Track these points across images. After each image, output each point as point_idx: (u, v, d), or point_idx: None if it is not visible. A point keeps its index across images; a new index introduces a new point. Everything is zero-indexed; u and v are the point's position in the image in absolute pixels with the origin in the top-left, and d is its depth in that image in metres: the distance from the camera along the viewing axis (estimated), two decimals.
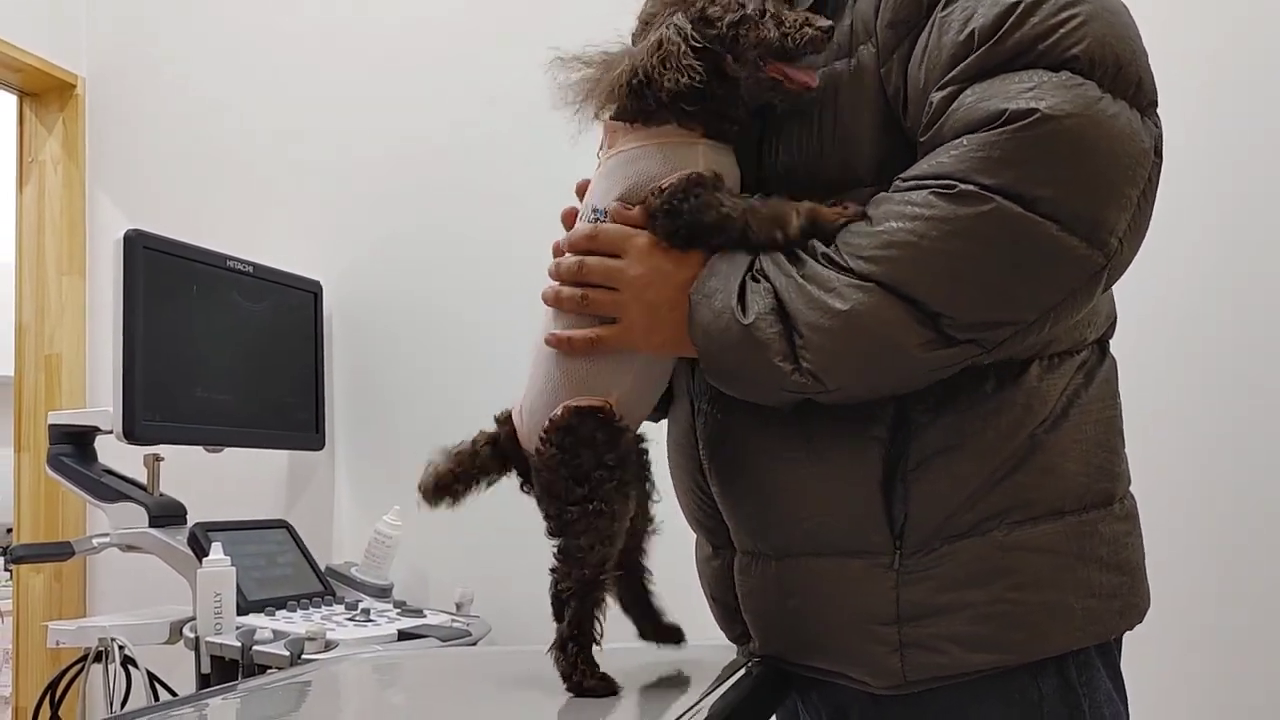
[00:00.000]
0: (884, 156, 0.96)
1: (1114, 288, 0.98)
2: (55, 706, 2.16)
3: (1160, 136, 0.91)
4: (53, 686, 2.18)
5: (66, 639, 2.16)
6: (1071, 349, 0.98)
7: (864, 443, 0.96)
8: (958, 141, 0.88)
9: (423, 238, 2.56)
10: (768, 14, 0.96)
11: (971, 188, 0.86)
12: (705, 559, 1.14)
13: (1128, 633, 1.01)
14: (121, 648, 2.07)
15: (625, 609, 1.11)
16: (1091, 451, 0.97)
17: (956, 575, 0.94)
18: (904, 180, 0.91)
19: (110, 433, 2.09)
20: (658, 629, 1.10)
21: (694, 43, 0.95)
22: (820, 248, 0.92)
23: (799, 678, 1.06)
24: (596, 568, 0.95)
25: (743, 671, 1.02)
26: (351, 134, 2.66)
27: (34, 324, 2.88)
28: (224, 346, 2.29)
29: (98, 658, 2.09)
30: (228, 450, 2.34)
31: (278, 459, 2.63)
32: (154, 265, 2.09)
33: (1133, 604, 0.99)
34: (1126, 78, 0.89)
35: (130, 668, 2.10)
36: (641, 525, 1.07)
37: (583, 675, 0.96)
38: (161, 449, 2.26)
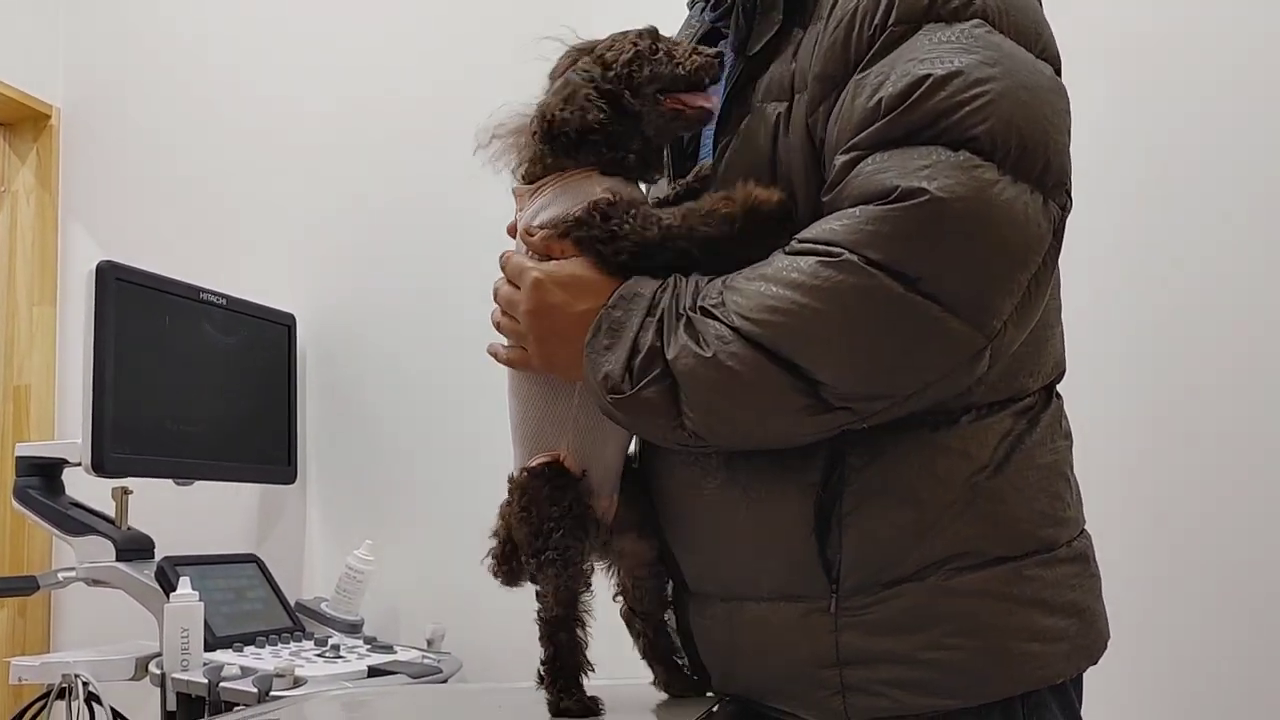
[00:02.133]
0: (816, 203, 0.96)
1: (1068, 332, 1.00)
2: None
3: (1062, 218, 0.91)
4: None
5: (29, 675, 2.12)
6: (1012, 397, 0.99)
7: (797, 488, 0.97)
8: (851, 211, 0.89)
9: (398, 273, 2.56)
10: (660, 50, 1.03)
11: (856, 259, 0.86)
12: (671, 596, 1.15)
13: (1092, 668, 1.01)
14: (86, 684, 2.03)
15: (644, 658, 1.13)
16: (1034, 498, 0.97)
17: (895, 620, 0.94)
18: (798, 241, 0.91)
19: (79, 465, 2.07)
20: (673, 679, 1.12)
21: (596, 84, 1.02)
22: (709, 301, 0.92)
23: (762, 716, 1.06)
24: (560, 608, 1.01)
25: (714, 710, 1.02)
26: (327, 168, 2.66)
27: (3, 354, 2.85)
28: (196, 379, 2.27)
29: (61, 694, 2.04)
30: (198, 483, 2.32)
31: (248, 492, 2.60)
32: (126, 296, 2.07)
33: (1082, 646, 0.99)
34: (1030, 160, 0.89)
35: (94, 705, 2.06)
36: (653, 565, 1.10)
37: (560, 696, 1.00)
38: (130, 482, 2.24)
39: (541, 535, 1.00)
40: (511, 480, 1.05)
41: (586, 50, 1.06)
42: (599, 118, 1.00)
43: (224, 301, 2.34)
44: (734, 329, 0.90)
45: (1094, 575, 1.03)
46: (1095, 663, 1.00)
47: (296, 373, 2.55)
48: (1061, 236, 0.92)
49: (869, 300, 0.86)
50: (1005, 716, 0.96)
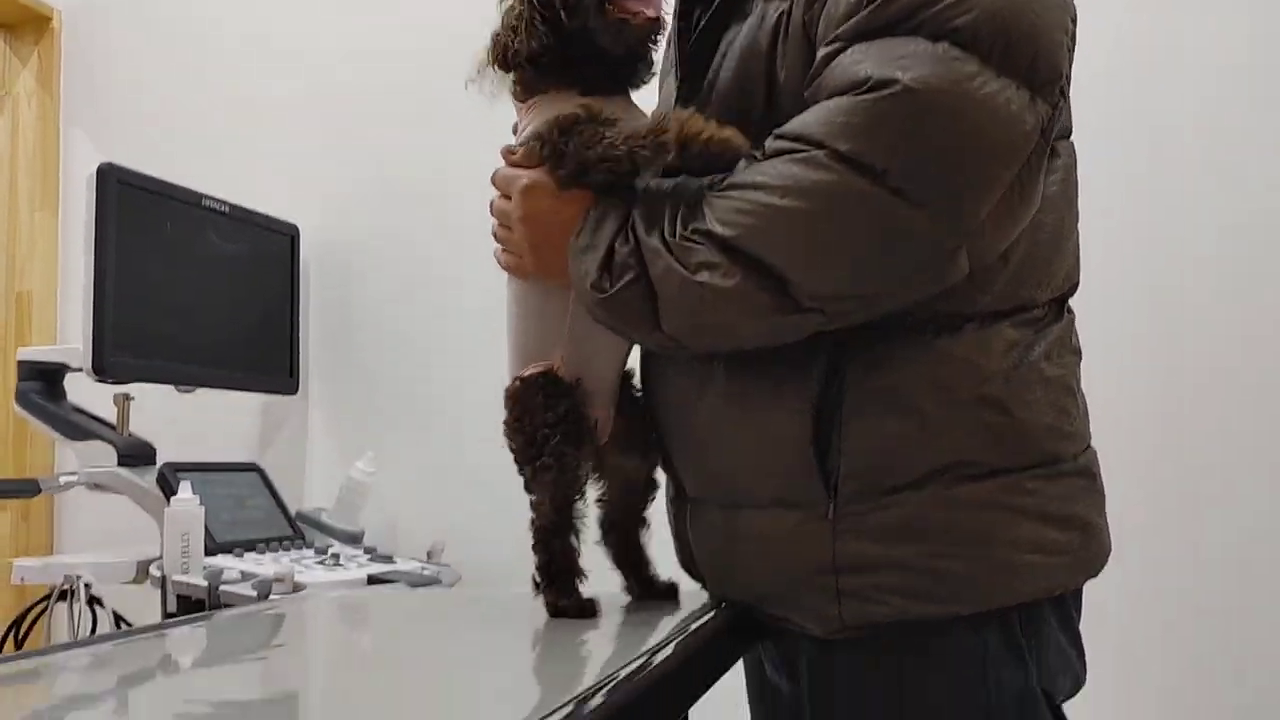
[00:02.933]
0: None
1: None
2: (19, 644, 2.15)
3: (1053, 116, 0.90)
4: (17, 624, 2.17)
5: (31, 576, 2.15)
6: (1019, 307, 0.97)
7: (795, 398, 0.96)
8: (825, 104, 0.89)
9: (403, 183, 2.53)
10: None
11: (823, 155, 0.86)
12: (670, 499, 1.16)
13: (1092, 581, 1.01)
14: (87, 586, 2.06)
15: (616, 565, 1.13)
16: (1040, 410, 0.96)
17: (893, 529, 0.94)
18: (774, 137, 0.92)
19: (80, 370, 2.07)
20: (643, 586, 1.13)
21: (535, 7, 1.01)
22: (685, 206, 0.93)
23: (761, 625, 1.07)
24: (552, 515, 1.02)
25: (710, 615, 1.02)
26: (334, 74, 2.62)
27: (5, 259, 2.84)
28: (197, 286, 2.26)
29: (63, 596, 2.07)
30: (199, 392, 2.32)
31: (250, 402, 2.60)
32: (127, 201, 2.05)
33: (1083, 559, 0.99)
34: (1017, 54, 0.87)
35: (96, 606, 2.09)
36: (642, 485, 1.12)
37: (556, 596, 1.02)
38: (132, 390, 2.24)
39: (536, 443, 1.02)
40: (506, 391, 1.06)
41: None
42: (542, 43, 1.01)
43: (226, 209, 2.32)
44: (706, 233, 0.90)
45: (1098, 491, 1.02)
46: (1095, 576, 1.00)
47: (299, 283, 2.53)
48: (1049, 136, 0.90)
49: (835, 197, 0.86)
50: (1002, 627, 0.96)
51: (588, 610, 1.02)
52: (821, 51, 0.92)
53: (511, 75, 1.06)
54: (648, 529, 1.13)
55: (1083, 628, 1.04)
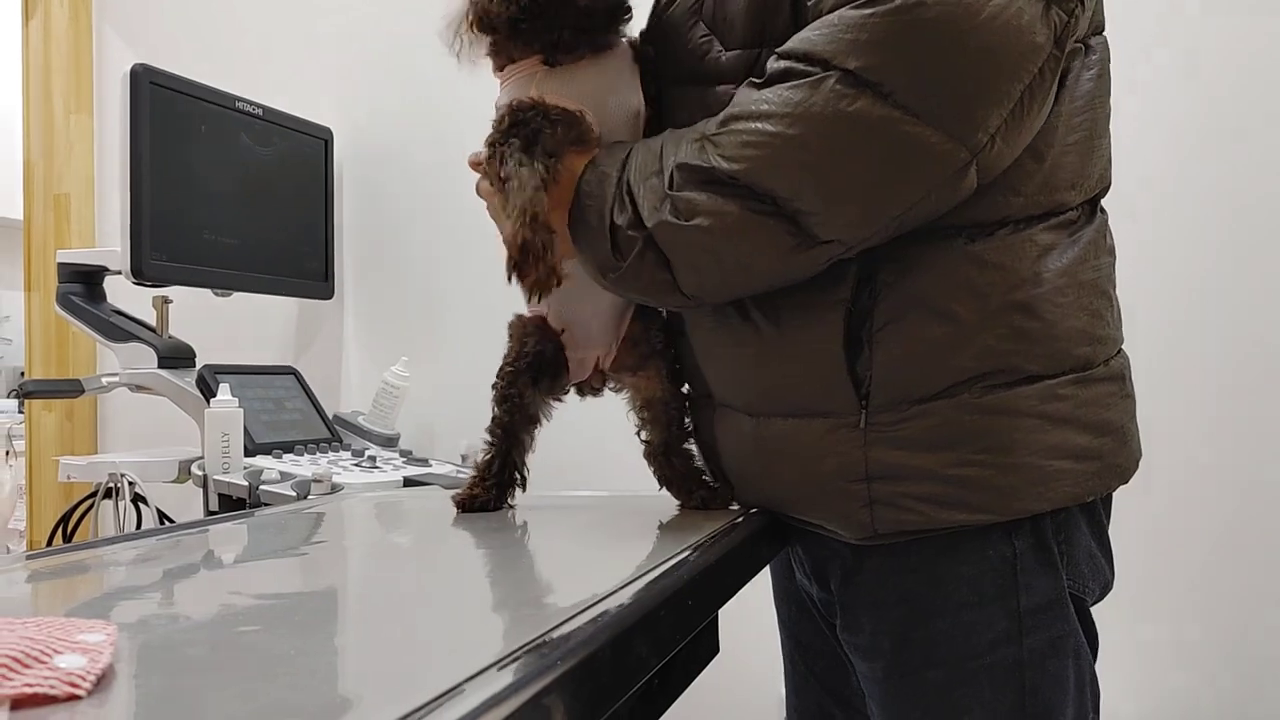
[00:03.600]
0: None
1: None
2: (68, 538, 2.21)
3: (1068, 24, 0.87)
4: (64, 520, 2.23)
5: (77, 474, 2.20)
6: (1051, 210, 0.95)
7: (826, 305, 0.95)
8: (830, 18, 0.86)
9: (438, 87, 2.51)
10: None
11: (830, 76, 0.85)
12: (690, 402, 1.16)
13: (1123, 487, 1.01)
14: (131, 484, 2.11)
15: (662, 484, 1.15)
16: (1073, 315, 0.95)
17: (925, 437, 0.94)
18: (776, 56, 0.90)
19: (119, 273, 2.09)
20: (695, 497, 1.12)
21: None
22: (687, 154, 0.92)
23: (790, 529, 1.08)
24: (497, 431, 1.13)
25: (743, 518, 1.03)
26: None
27: (42, 163, 2.85)
28: (232, 190, 2.26)
29: (108, 494, 2.12)
30: (236, 296, 2.34)
31: (286, 307, 2.63)
32: (161, 102, 2.05)
33: (1114, 465, 0.99)
34: None
35: (140, 504, 2.14)
36: (670, 403, 1.14)
37: (470, 488, 1.13)
38: (170, 293, 2.26)
39: (503, 376, 1.13)
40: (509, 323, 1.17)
41: None
42: (520, 4, 0.99)
43: (260, 112, 2.31)
44: (710, 172, 0.90)
45: (1129, 395, 1.02)
46: (1126, 482, 1.00)
47: (334, 188, 2.53)
48: (1064, 47, 0.88)
49: (846, 120, 0.84)
50: (1034, 532, 0.96)
51: (489, 505, 1.11)
52: None
53: (488, 39, 1.05)
54: (689, 441, 1.14)
55: (1111, 531, 1.04)
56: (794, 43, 0.89)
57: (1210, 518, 1.89)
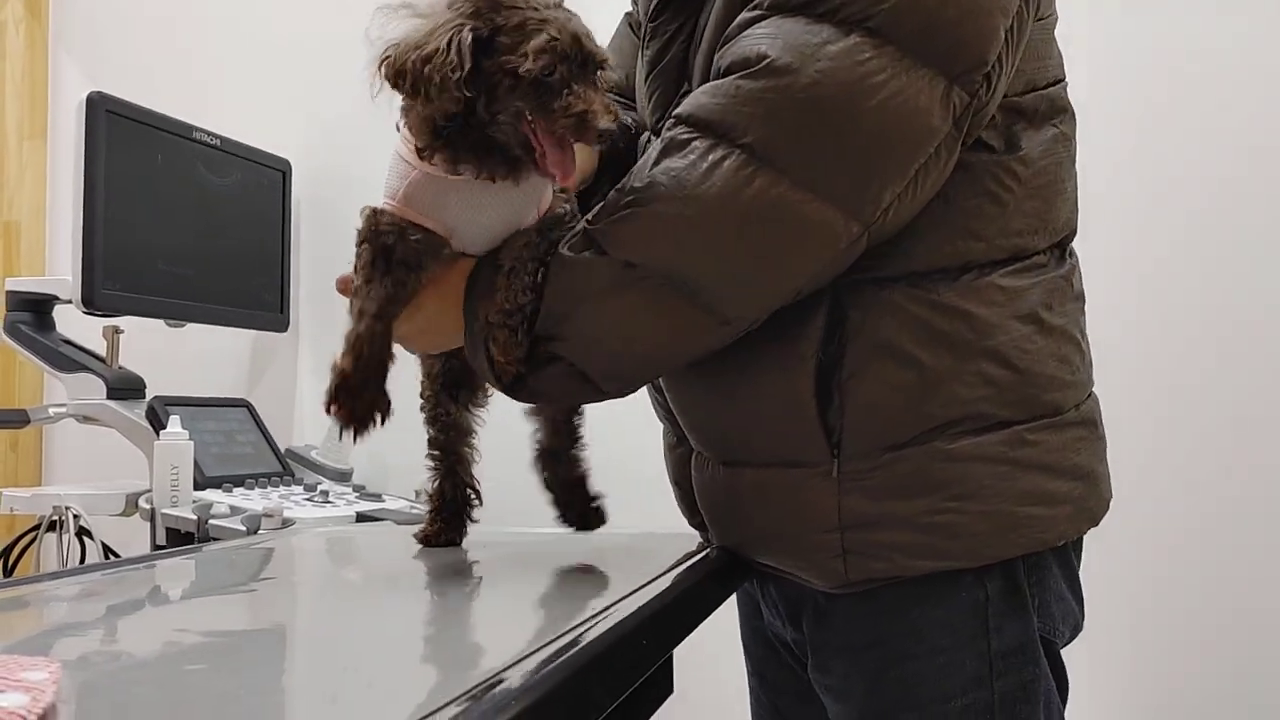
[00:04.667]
0: None
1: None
2: (8, 572, 2.16)
3: (970, 104, 0.88)
4: (6, 553, 2.17)
5: (21, 506, 2.15)
6: (1014, 255, 0.96)
7: (796, 356, 0.96)
8: (727, 86, 0.87)
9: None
10: (574, 91, 0.88)
11: (728, 154, 0.85)
12: (669, 447, 1.16)
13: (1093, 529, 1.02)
14: (76, 517, 2.06)
15: (547, 488, 1.14)
16: (1040, 361, 0.96)
17: (897, 484, 0.94)
18: (673, 120, 0.90)
19: (69, 302, 2.05)
20: (571, 512, 1.13)
21: (461, 69, 0.86)
22: (574, 238, 0.91)
23: (757, 569, 1.08)
24: (441, 452, 1.10)
25: (700, 557, 1.03)
26: (329, 12, 2.58)
27: None
28: (188, 220, 2.24)
29: (52, 526, 2.08)
30: (189, 326, 2.31)
31: (240, 338, 2.60)
32: (117, 130, 2.03)
33: (1085, 510, 0.99)
34: (936, 42, 0.85)
35: (85, 538, 2.10)
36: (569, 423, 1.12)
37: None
38: (121, 322, 2.23)
39: (426, 399, 1.11)
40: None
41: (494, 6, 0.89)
42: (449, 108, 0.88)
43: (218, 142, 2.29)
44: (608, 262, 0.89)
45: (1100, 438, 1.02)
46: (1097, 524, 1.01)
47: (291, 220, 2.51)
48: (963, 127, 0.89)
49: (742, 198, 0.85)
50: (1006, 576, 0.96)
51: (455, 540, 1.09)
52: (740, 16, 0.91)
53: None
54: (583, 452, 1.14)
55: (1082, 573, 1.04)
56: (692, 108, 0.89)
57: (1183, 562, 1.91)
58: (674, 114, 0.90)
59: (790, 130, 0.85)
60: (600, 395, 0.97)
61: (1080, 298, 1.03)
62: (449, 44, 0.86)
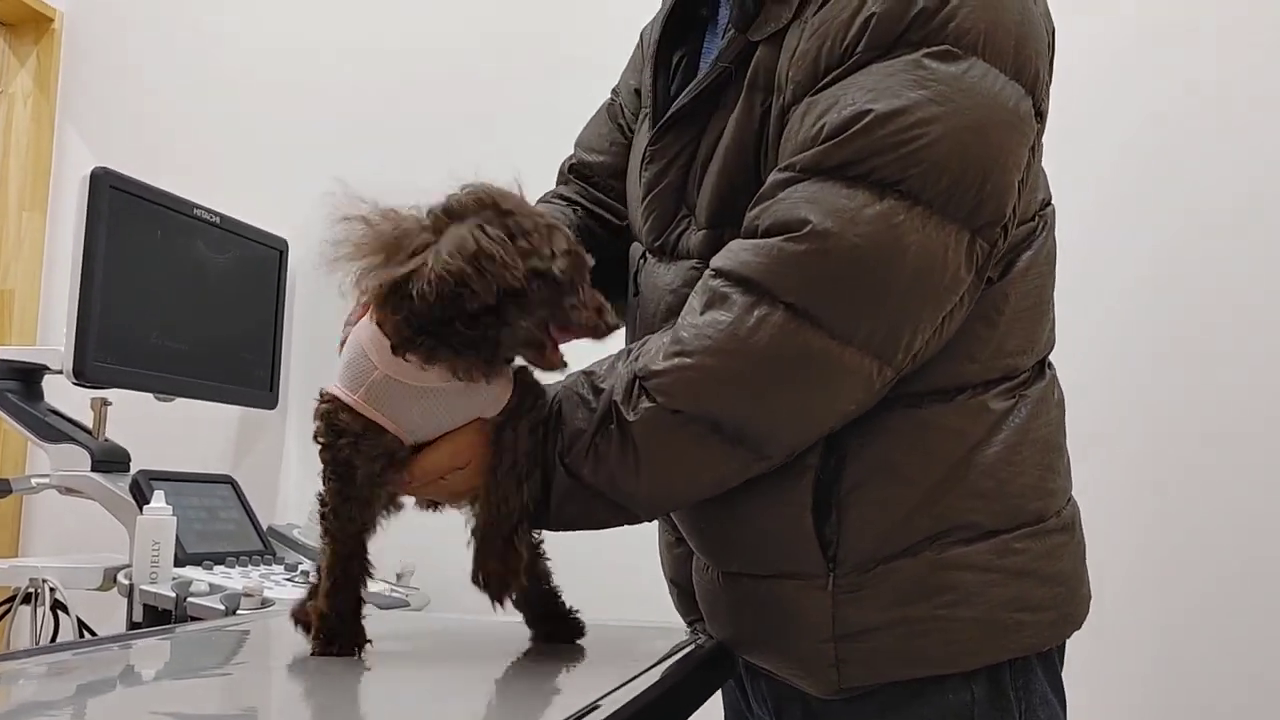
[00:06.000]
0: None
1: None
2: None
3: (990, 254, 0.93)
4: None
5: None
6: (1006, 375, 1.00)
7: (796, 471, 0.97)
8: (768, 248, 0.90)
9: (396, 203, 2.53)
10: (575, 284, 0.90)
11: (772, 311, 0.88)
12: (668, 545, 1.17)
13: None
14: (52, 590, 2.03)
15: (515, 606, 1.06)
16: (1026, 472, 0.99)
17: (890, 595, 0.96)
18: (713, 273, 0.93)
19: (59, 373, 2.05)
20: (541, 628, 1.06)
21: (470, 274, 0.84)
22: (619, 387, 0.93)
23: (747, 662, 1.08)
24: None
25: (691, 648, 1.02)
26: (332, 96, 2.63)
27: None
28: (184, 295, 2.25)
29: (26, 599, 2.04)
30: (177, 401, 2.31)
31: (228, 414, 2.59)
32: (119, 205, 2.05)
33: (1068, 614, 1.02)
34: (962, 200, 0.89)
35: (60, 612, 2.06)
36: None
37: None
38: (110, 394, 2.22)
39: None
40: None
41: (496, 209, 0.89)
42: (438, 314, 0.85)
43: (217, 220, 2.32)
44: (666, 410, 0.91)
45: (1079, 542, 1.05)
46: (1079, 628, 1.03)
47: (285, 298, 2.53)
48: (984, 274, 0.93)
49: (784, 350, 0.89)
50: (992, 681, 0.98)
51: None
52: (774, 175, 0.93)
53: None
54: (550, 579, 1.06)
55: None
56: (734, 264, 0.92)
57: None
58: (715, 267, 0.93)
59: (830, 290, 0.89)
60: (632, 520, 0.99)
61: (1060, 405, 1.06)
62: (493, 242, 0.84)
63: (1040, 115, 0.95)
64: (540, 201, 1.26)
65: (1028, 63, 0.93)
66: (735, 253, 0.92)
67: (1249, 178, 2.00)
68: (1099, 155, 2.04)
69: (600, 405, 0.94)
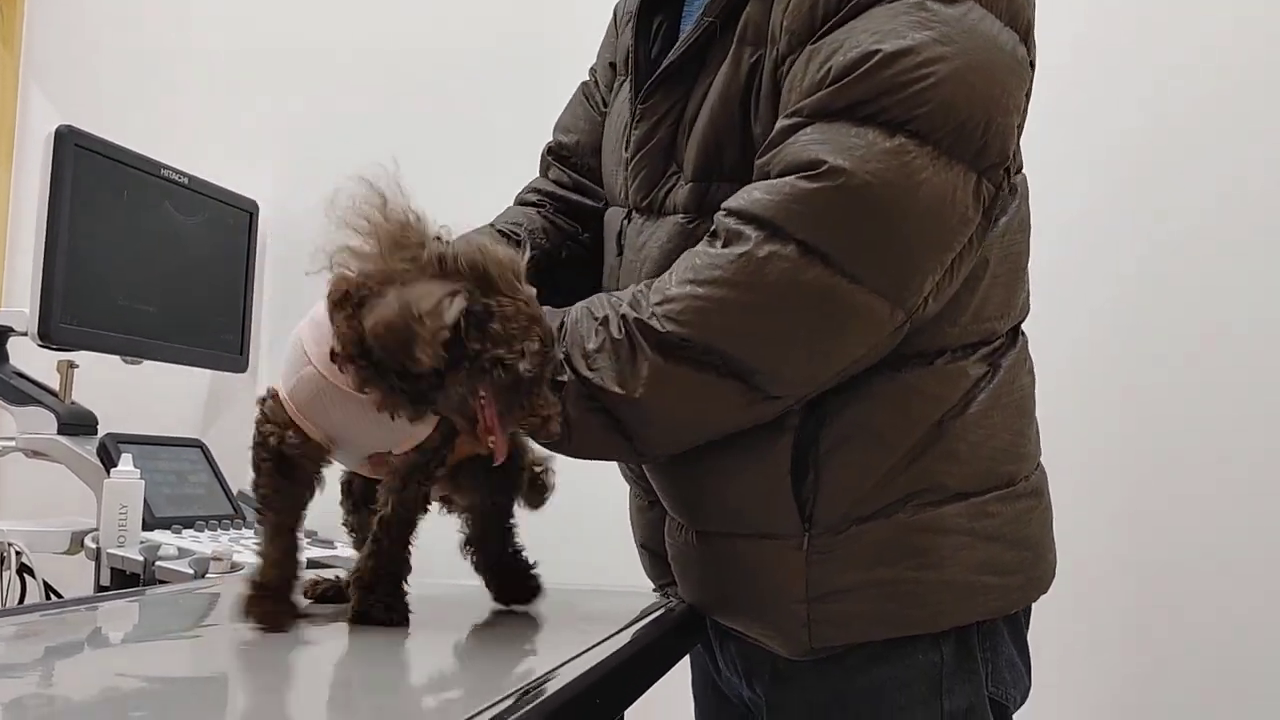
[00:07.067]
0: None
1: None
2: None
3: (996, 195, 0.94)
4: None
5: None
6: (983, 340, 1.01)
7: (776, 431, 0.98)
8: (779, 184, 0.90)
9: (367, 165, 2.51)
10: (535, 383, 0.86)
11: (783, 246, 0.88)
12: (639, 509, 1.18)
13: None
14: (19, 553, 2.01)
15: (476, 570, 1.08)
16: (997, 435, 1.00)
17: (863, 556, 0.98)
18: (726, 212, 0.93)
19: (25, 335, 2.02)
20: (503, 590, 1.07)
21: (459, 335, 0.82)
22: (632, 314, 0.93)
23: (716, 625, 1.09)
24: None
25: (660, 612, 1.03)
26: (302, 52, 2.59)
27: None
28: (151, 257, 2.22)
29: None
30: (146, 365, 2.28)
31: (198, 377, 2.57)
32: (85, 165, 2.01)
33: (1035, 578, 1.04)
34: (967, 140, 0.90)
35: (26, 575, 2.05)
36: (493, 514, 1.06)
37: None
38: (76, 357, 2.19)
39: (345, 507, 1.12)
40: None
41: (486, 283, 0.84)
42: (416, 368, 0.81)
43: (186, 181, 2.28)
44: (661, 336, 0.91)
45: (1046, 508, 1.07)
46: (1045, 592, 1.05)
47: (255, 261, 2.50)
48: (991, 215, 0.95)
49: (795, 285, 0.89)
50: (960, 643, 1.00)
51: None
52: (782, 121, 0.94)
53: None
54: (515, 540, 1.07)
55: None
56: (746, 204, 0.92)
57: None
58: (727, 207, 0.93)
59: (842, 227, 0.89)
60: (635, 457, 1.00)
61: (1031, 373, 1.08)
62: (438, 307, 0.80)
63: (1031, 64, 0.97)
64: (518, 201, 1.27)
65: (1020, 10, 0.95)
66: (748, 192, 0.93)
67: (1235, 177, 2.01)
68: (1095, 144, 2.04)
69: (613, 319, 0.94)
